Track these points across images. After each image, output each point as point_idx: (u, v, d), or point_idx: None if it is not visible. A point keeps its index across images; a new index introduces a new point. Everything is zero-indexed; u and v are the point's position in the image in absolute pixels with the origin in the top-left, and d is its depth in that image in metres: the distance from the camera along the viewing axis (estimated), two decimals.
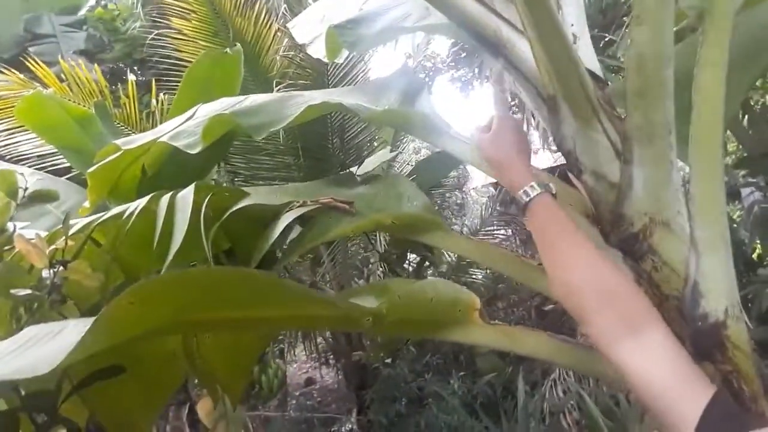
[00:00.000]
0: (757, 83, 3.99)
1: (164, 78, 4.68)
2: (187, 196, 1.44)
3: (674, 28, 1.05)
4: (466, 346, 4.97)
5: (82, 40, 6.47)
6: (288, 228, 1.44)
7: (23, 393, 1.00)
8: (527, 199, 0.98)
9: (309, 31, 2.35)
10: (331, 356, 6.40)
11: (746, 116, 3.82)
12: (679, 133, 1.08)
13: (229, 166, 4.83)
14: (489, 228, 6.30)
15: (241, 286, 0.78)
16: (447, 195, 6.86)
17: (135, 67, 6.22)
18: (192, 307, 0.80)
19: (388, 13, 1.73)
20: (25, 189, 1.28)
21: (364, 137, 5.21)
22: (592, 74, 1.08)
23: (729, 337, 1.04)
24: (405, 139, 5.72)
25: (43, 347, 0.67)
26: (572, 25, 1.16)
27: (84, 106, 3.58)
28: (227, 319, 0.93)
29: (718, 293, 1.05)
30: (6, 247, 1.14)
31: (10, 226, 1.24)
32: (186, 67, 4.58)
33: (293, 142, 4.72)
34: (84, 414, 1.14)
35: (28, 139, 4.01)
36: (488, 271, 5.15)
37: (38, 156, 4.00)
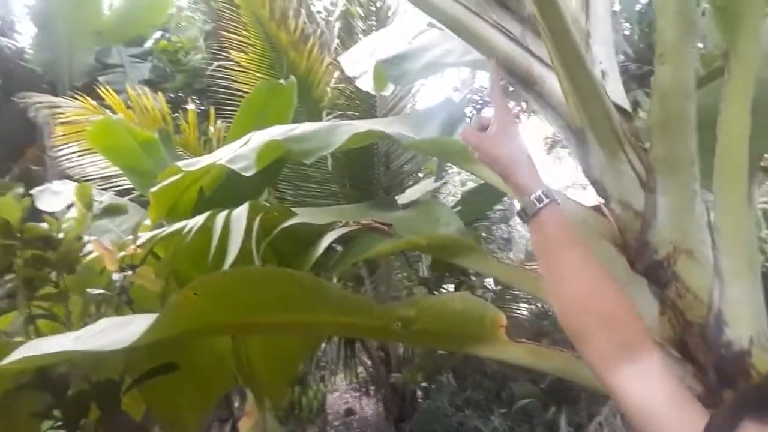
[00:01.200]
0: None
1: (222, 107, 4.94)
2: (241, 214, 1.57)
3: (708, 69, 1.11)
4: (508, 383, 4.89)
5: (147, 70, 6.90)
6: (330, 247, 1.55)
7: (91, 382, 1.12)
8: (539, 206, 0.90)
9: (358, 64, 2.48)
10: (372, 387, 6.42)
11: None
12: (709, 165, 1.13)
13: (278, 192, 5.01)
14: (534, 263, 6.22)
15: (290, 286, 0.87)
16: (493, 228, 6.85)
17: (194, 97, 6.57)
18: (246, 305, 0.89)
19: (432, 50, 1.84)
20: (100, 202, 1.43)
21: (409, 168, 5.34)
22: (619, 108, 1.15)
23: (754, 366, 1.06)
24: (451, 171, 5.79)
25: (119, 332, 0.78)
26: (601, 62, 1.23)
27: (148, 131, 3.84)
28: (274, 323, 1.03)
29: (743, 321, 1.08)
30: (81, 253, 1.28)
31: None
32: (242, 97, 4.86)
33: (340, 170, 4.88)
34: (140, 409, 1.25)
35: (95, 161, 4.32)
36: (533, 305, 5.11)
37: (103, 177, 4.30)
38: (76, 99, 4.43)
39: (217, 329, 1.08)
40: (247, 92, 4.86)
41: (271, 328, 1.14)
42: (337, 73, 4.71)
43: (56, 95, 5.76)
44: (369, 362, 5.47)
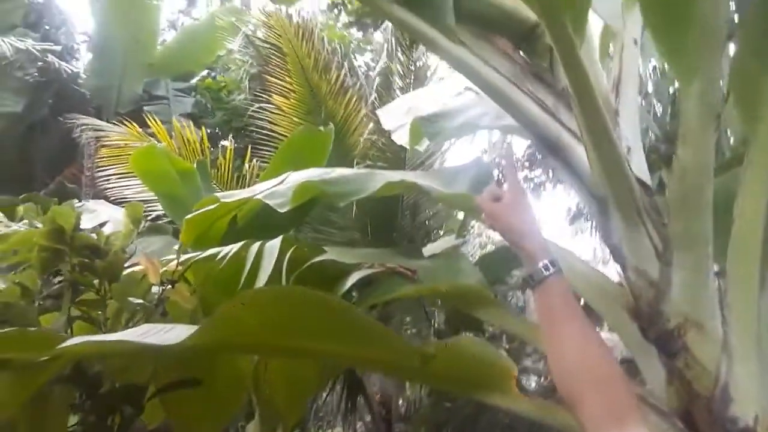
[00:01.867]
0: None
1: (257, 147, 5.13)
2: (274, 246, 1.66)
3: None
4: None
5: (189, 105, 7.21)
6: (348, 291, 1.61)
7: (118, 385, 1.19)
8: (546, 274, 0.96)
9: (395, 119, 2.61)
10: None
11: None
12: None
13: (298, 233, 5.11)
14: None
15: (322, 309, 0.94)
16: (509, 294, 6.81)
17: (231, 134, 6.82)
18: (281, 324, 0.96)
19: (468, 111, 1.96)
20: (147, 221, 1.53)
21: (431, 224, 5.43)
22: (641, 182, 1.22)
23: None
24: (472, 232, 5.86)
25: (165, 335, 0.85)
26: (627, 138, 1.32)
27: (187, 162, 4.00)
28: (300, 348, 1.09)
29: (750, 399, 1.12)
30: (126, 264, 1.37)
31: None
32: (278, 139, 5.07)
33: (363, 218, 4.98)
34: (159, 417, 1.31)
35: (131, 185, 4.50)
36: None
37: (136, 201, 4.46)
38: (122, 124, 4.65)
39: (249, 347, 1.15)
40: (283, 135, 5.06)
41: (296, 352, 1.20)
42: (371, 125, 4.89)
43: (101, 120, 6.04)
44: (369, 417, 5.39)
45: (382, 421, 5.22)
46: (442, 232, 5.42)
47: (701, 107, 1.10)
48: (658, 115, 4.16)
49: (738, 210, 1.18)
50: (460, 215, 6.03)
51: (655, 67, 4.25)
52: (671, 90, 4.32)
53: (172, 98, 7.25)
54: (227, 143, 6.07)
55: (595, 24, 1.56)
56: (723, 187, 1.19)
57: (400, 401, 5.51)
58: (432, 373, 1.13)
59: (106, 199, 4.33)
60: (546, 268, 0.97)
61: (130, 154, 3.99)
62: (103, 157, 4.40)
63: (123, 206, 4.20)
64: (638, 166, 1.29)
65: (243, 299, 0.81)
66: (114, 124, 5.32)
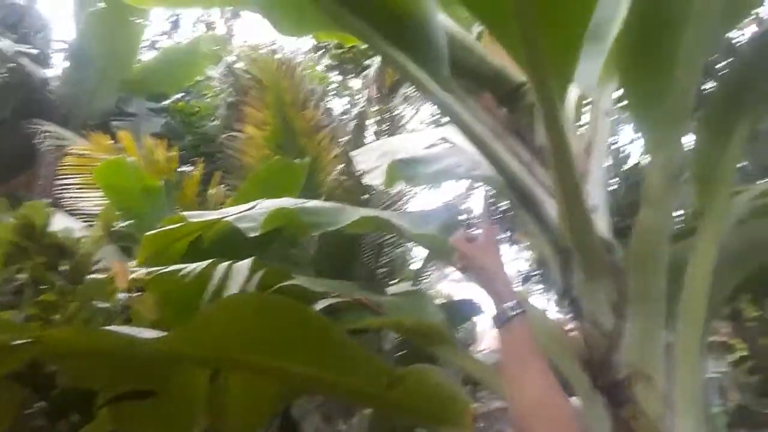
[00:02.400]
0: None
1: (224, 175, 5.11)
2: (244, 267, 1.66)
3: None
4: None
5: (159, 125, 7.14)
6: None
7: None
8: (512, 314, 1.01)
9: (370, 160, 2.67)
10: None
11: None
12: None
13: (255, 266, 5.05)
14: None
15: (300, 320, 0.95)
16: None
17: (199, 159, 6.76)
18: (253, 331, 0.97)
19: (443, 160, 2.04)
20: (117, 229, 1.52)
21: (388, 270, 5.47)
22: (603, 240, 1.31)
23: None
24: (427, 279, 5.93)
25: (138, 334, 0.85)
26: (593, 198, 1.41)
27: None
28: (263, 366, 1.09)
29: None
30: (93, 269, 1.36)
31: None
32: (247, 169, 5.08)
33: (323, 258, 4.98)
34: (105, 429, 1.27)
35: (90, 198, 4.39)
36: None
37: (91, 215, 4.35)
38: (88, 136, 4.58)
39: (215, 360, 1.14)
40: (252, 165, 5.09)
41: (260, 370, 1.20)
42: (341, 166, 4.97)
43: (67, 129, 5.92)
44: None
45: None
46: (396, 280, 5.47)
47: (664, 175, 1.20)
48: (612, 189, 4.40)
49: (689, 275, 1.28)
50: (414, 266, 6.13)
51: (613, 144, 4.51)
52: (626, 166, 4.59)
53: (142, 116, 7.18)
54: (191, 168, 6.04)
55: (571, 93, 1.68)
56: (677, 253, 1.29)
57: None
58: (396, 402, 1.15)
59: (61, 209, 4.21)
60: (512, 308, 1.02)
61: (93, 166, 3.92)
62: (65, 166, 4.30)
63: (79, 217, 4.08)
64: (601, 224, 1.38)
65: (221, 303, 0.82)
66: (80, 135, 5.22)
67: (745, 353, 4.12)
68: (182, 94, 7.75)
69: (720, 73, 3.35)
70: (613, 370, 1.23)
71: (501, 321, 1.03)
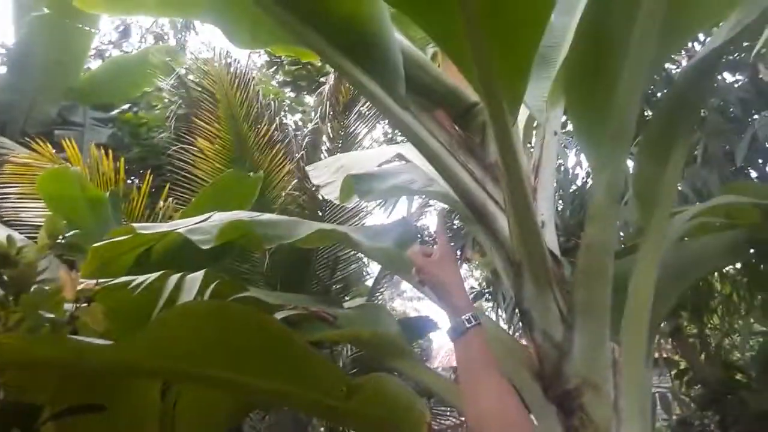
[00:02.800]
0: (716, 324, 4.42)
1: (173, 187, 5.00)
2: (196, 278, 1.63)
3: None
4: None
5: (105, 136, 6.92)
6: None
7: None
8: (468, 326, 1.04)
9: (325, 175, 2.69)
10: None
11: (703, 353, 4.24)
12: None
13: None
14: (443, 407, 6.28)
15: (260, 330, 0.95)
16: None
17: (147, 171, 6.59)
18: (210, 341, 0.96)
19: (398, 176, 2.07)
20: (64, 237, 1.47)
21: (339, 286, 5.47)
22: (551, 254, 1.37)
23: None
24: (381, 297, 5.96)
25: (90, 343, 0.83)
26: (542, 214, 1.48)
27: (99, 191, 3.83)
28: (215, 377, 1.08)
29: None
30: (38, 278, 1.31)
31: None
32: (197, 182, 4.99)
33: (275, 272, 4.93)
34: None
35: (31, 208, 4.22)
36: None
37: (33, 226, 4.17)
38: (28, 145, 4.41)
39: (168, 372, 1.11)
40: (202, 178, 5.01)
41: (211, 383, 1.18)
42: (295, 182, 4.95)
43: (5, 137, 5.66)
44: None
45: None
46: (351, 297, 5.47)
47: (607, 194, 1.27)
48: (558, 210, 4.56)
49: (631, 289, 1.35)
50: (369, 282, 6.15)
51: (560, 165, 4.68)
52: (573, 188, 4.77)
53: (88, 126, 6.94)
54: (137, 181, 5.87)
55: (521, 114, 1.75)
56: (621, 269, 1.36)
57: None
58: (353, 412, 1.15)
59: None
60: (468, 321, 1.05)
61: (35, 175, 3.77)
62: (4, 175, 4.11)
63: (19, 229, 3.90)
64: (550, 238, 1.44)
65: (176, 310, 0.82)
66: (19, 143, 5.01)
67: (686, 368, 4.32)
68: (130, 105, 7.56)
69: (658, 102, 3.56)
70: (563, 380, 1.28)
71: (457, 333, 1.06)
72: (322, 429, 5.46)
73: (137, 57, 7.20)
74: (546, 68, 1.75)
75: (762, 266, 2.95)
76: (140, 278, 1.75)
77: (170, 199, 4.50)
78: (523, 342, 1.50)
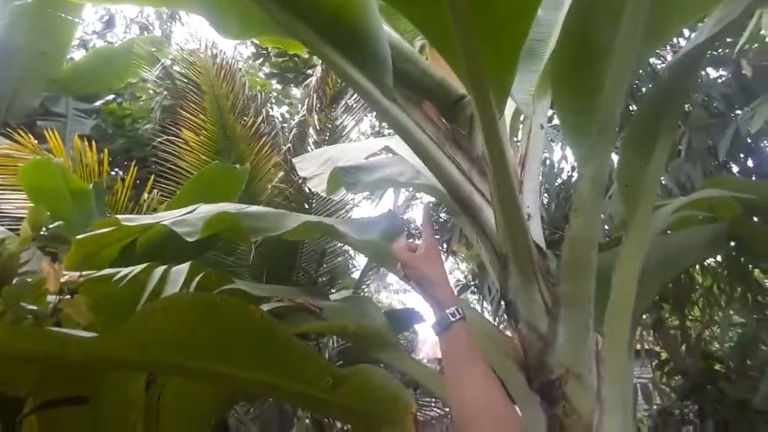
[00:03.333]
0: (697, 316, 4.49)
1: (158, 179, 4.96)
2: (182, 270, 1.62)
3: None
4: None
5: (89, 127, 6.83)
6: None
7: None
8: (453, 320, 1.03)
9: (312, 167, 2.68)
10: None
11: (684, 344, 4.31)
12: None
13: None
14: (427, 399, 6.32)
15: (245, 321, 0.94)
16: None
17: (132, 163, 6.53)
18: (194, 333, 0.95)
19: (386, 168, 2.08)
20: (47, 229, 1.45)
21: (325, 279, 5.47)
22: (537, 246, 1.38)
23: None
24: (367, 289, 5.97)
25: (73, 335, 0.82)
26: (528, 206, 1.49)
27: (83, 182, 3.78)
28: (200, 368, 1.08)
29: None
30: (21, 270, 1.29)
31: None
32: (182, 174, 4.95)
33: (260, 265, 4.92)
34: None
35: (12, 200, 4.15)
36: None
37: (15, 218, 4.11)
38: (19, 134, 4.34)
39: (153, 362, 1.11)
40: (187, 170, 4.96)
41: (195, 375, 1.17)
42: (281, 174, 4.93)
43: None
44: None
45: None
46: (334, 290, 5.47)
47: (592, 186, 1.28)
48: (544, 203, 4.59)
49: (615, 281, 1.37)
50: (355, 275, 6.15)
51: (545, 159, 4.71)
52: (558, 181, 4.81)
53: (71, 117, 6.85)
54: (121, 172, 5.81)
55: (508, 107, 1.76)
56: (605, 262, 1.38)
57: None
58: (337, 401, 1.15)
59: None
60: (453, 314, 1.05)
61: (17, 167, 3.72)
62: None
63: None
64: (536, 231, 1.46)
65: (163, 303, 0.81)
66: (0, 134, 4.93)
67: (667, 359, 4.39)
68: (114, 96, 7.47)
69: (642, 97, 3.59)
70: (547, 370, 1.29)
71: (442, 327, 1.05)
72: (307, 420, 5.48)
73: (122, 47, 7.11)
74: (533, 62, 1.76)
75: (742, 259, 3.00)
76: (125, 270, 1.73)
77: (155, 190, 4.46)
78: (508, 333, 1.52)
